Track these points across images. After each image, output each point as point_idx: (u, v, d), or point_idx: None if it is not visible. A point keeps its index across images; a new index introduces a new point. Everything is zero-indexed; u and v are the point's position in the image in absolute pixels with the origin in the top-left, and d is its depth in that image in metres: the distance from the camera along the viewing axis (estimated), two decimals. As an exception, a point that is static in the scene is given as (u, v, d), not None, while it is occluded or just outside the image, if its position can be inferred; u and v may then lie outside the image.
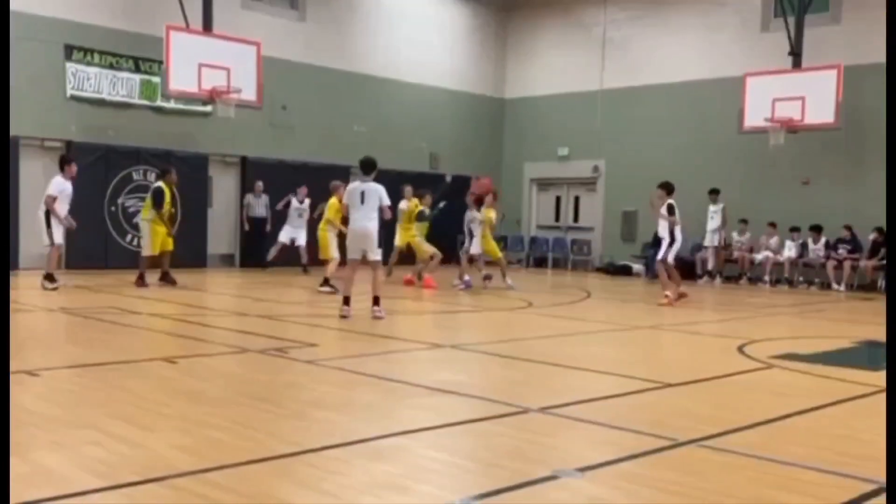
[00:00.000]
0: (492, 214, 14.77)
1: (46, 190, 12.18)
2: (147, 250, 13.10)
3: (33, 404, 4.98)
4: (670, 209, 12.29)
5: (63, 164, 12.43)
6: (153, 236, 13.04)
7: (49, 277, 12.01)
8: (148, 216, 13.13)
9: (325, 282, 12.51)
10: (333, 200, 12.71)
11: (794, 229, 17.24)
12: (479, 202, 14.53)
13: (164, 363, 6.54)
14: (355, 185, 9.92)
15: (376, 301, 9.69)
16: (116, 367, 6.41)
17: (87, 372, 6.35)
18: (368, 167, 9.83)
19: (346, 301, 9.64)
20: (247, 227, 17.63)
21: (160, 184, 13.27)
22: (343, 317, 9.44)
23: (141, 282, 12.82)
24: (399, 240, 14.77)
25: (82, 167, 13.71)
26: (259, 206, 17.57)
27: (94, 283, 13.05)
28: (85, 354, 7.20)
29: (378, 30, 20.20)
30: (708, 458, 4.30)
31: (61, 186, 12.13)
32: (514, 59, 22.89)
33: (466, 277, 14.07)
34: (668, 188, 12.47)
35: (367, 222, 9.59)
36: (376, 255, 9.81)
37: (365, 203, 9.60)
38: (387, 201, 9.72)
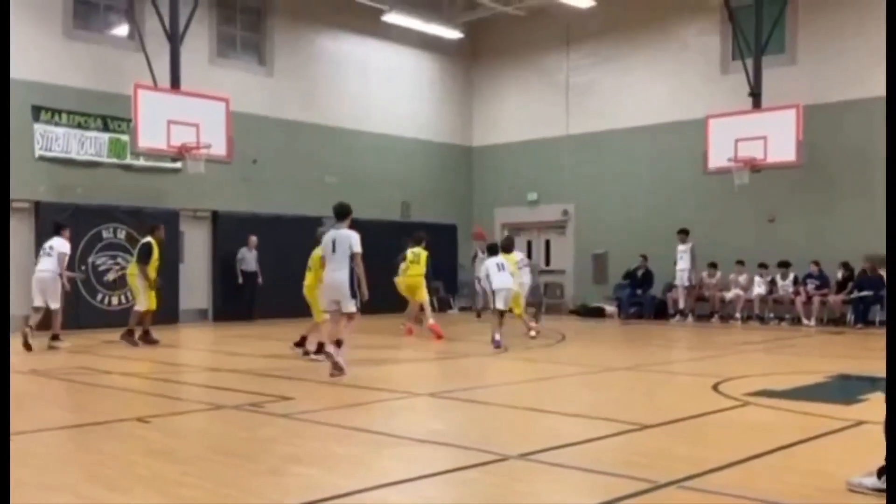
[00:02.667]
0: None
1: (60, 248, 12.43)
2: (143, 304, 12.65)
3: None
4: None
5: (59, 228, 12.84)
6: (148, 291, 12.69)
7: (56, 337, 12.40)
8: (136, 271, 12.78)
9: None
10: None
11: (763, 266, 17.46)
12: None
13: (137, 423, 6.45)
14: (328, 234, 9.48)
15: (321, 347, 9.68)
16: (89, 429, 6.32)
17: (60, 434, 6.26)
18: (340, 214, 9.44)
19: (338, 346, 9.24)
20: (240, 280, 17.61)
21: (149, 239, 12.94)
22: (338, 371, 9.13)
23: (130, 337, 12.51)
24: (405, 286, 14.23)
25: (51, 226, 13.47)
26: (251, 259, 17.57)
27: (65, 343, 12.84)
28: (56, 416, 7.09)
29: (345, 82, 20.42)
30: (687, 499, 4.32)
31: (67, 246, 12.64)
32: (481, 107, 23.21)
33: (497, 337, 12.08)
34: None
35: (335, 273, 9.17)
36: (350, 306, 9.21)
37: (336, 251, 9.19)
38: (357, 249, 9.13)
